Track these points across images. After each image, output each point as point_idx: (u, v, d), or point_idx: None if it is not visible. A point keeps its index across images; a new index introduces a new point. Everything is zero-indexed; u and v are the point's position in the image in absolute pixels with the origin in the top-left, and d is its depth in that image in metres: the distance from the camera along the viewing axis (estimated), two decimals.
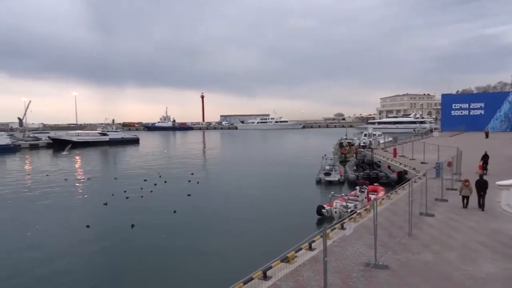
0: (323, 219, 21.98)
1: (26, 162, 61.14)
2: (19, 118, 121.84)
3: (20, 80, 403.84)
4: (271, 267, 10.14)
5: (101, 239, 19.60)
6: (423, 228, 14.25)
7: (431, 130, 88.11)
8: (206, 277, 14.57)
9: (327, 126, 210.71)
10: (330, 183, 33.75)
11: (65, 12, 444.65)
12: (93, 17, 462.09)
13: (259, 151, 74.25)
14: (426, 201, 15.92)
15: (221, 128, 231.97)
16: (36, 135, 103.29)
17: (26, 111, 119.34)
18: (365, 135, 65.56)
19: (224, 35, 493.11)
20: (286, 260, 10.84)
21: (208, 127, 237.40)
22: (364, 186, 24.61)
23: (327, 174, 34.71)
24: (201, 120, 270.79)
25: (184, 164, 52.87)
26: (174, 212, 24.27)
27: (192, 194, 30.25)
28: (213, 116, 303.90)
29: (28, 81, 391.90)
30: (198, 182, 36.15)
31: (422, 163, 32.84)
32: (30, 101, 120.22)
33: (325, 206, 22.45)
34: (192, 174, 41.08)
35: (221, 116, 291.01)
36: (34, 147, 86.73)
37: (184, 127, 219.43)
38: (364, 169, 35.87)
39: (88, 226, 21.37)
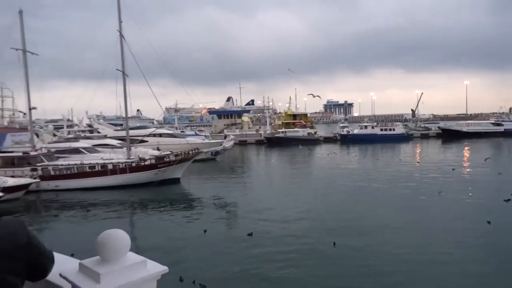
0: None
1: (416, 150, 65.55)
2: (412, 110, 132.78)
3: (415, 74, 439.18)
4: None
5: (502, 236, 17.80)
6: None
7: None
8: None
9: None
10: None
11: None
12: None
13: None
14: None
15: None
16: (426, 125, 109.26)
17: (418, 102, 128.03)
18: None
19: None
20: None
21: None
22: None
23: None
24: None
25: None
26: None
27: None
28: None
29: (423, 74, 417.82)
30: None
31: None
32: (422, 93, 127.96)
33: None
34: None
35: None
36: (424, 136, 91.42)
37: None
38: None
39: (489, 222, 19.58)
